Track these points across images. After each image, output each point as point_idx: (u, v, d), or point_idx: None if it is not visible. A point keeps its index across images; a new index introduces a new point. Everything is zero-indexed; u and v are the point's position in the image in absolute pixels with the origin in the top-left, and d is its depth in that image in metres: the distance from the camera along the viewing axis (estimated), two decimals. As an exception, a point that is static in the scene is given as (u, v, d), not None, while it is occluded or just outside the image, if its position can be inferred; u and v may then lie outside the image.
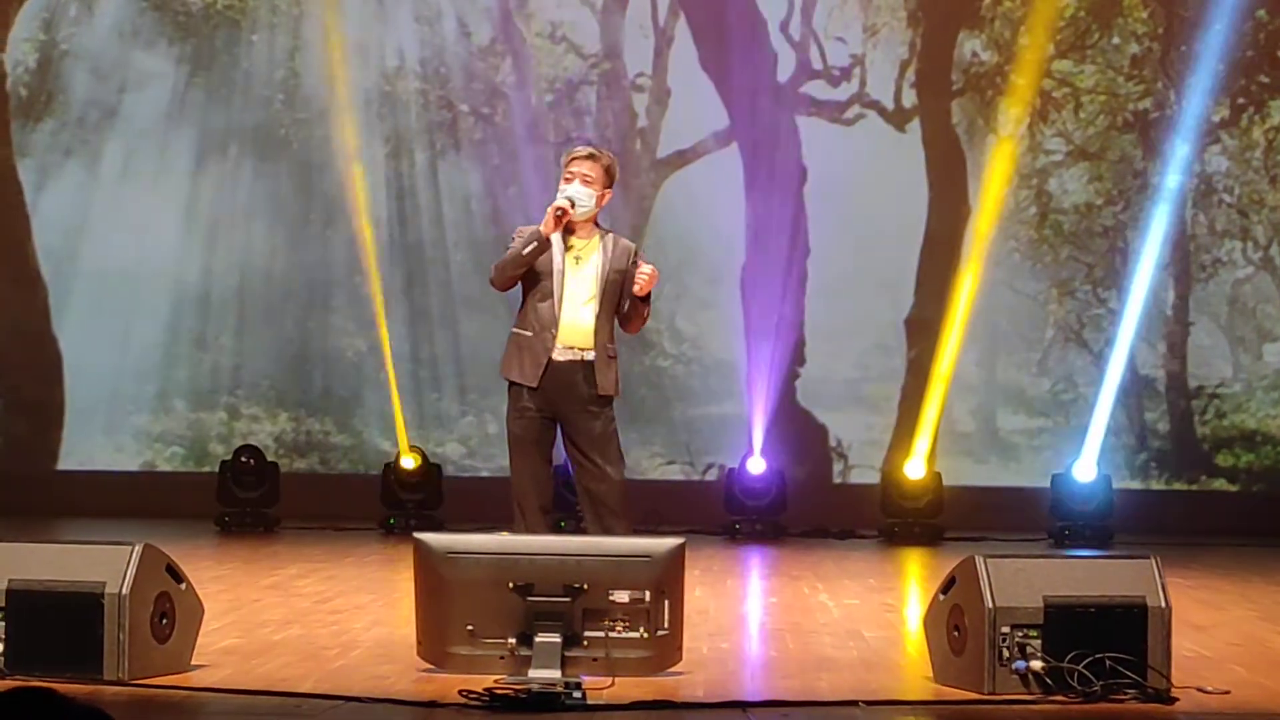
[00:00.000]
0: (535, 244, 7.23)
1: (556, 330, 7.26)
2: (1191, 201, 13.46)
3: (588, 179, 7.30)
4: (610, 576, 5.75)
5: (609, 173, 7.38)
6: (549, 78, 13.77)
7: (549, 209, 7.24)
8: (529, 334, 7.31)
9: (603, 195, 7.34)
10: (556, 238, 7.28)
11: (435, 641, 5.88)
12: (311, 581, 9.19)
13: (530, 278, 7.31)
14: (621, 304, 7.38)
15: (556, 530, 8.30)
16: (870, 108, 13.60)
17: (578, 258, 7.33)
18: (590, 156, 7.36)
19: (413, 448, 12.86)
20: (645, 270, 7.28)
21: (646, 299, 7.35)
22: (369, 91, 13.70)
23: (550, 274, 7.28)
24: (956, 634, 5.90)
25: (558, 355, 7.26)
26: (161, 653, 5.89)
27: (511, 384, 7.36)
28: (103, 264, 13.59)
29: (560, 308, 7.26)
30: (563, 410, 7.31)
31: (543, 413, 7.31)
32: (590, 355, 7.29)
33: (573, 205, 7.24)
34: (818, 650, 6.91)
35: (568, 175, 7.33)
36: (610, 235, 7.45)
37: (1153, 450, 13.51)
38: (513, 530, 7.26)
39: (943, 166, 13.52)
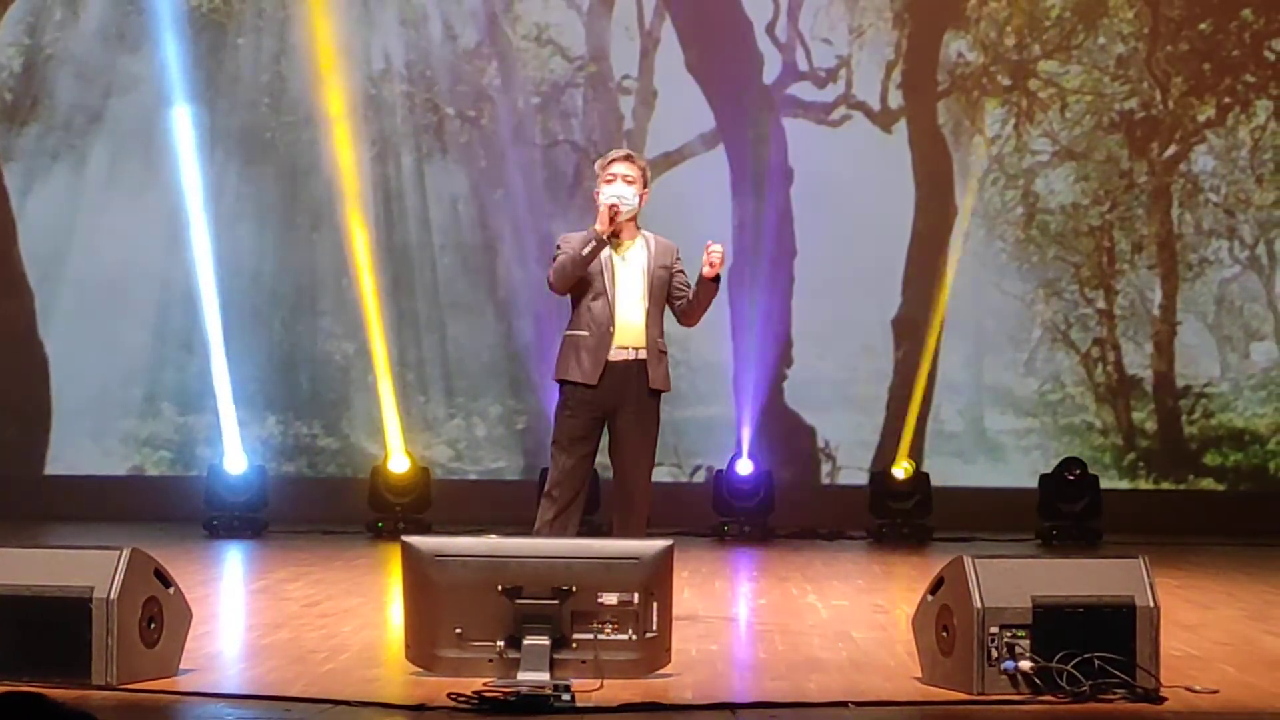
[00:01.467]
0: (594, 243, 7.36)
1: (614, 329, 7.39)
2: (1178, 201, 13.49)
3: (629, 179, 7.45)
4: (599, 579, 5.74)
5: (645, 173, 7.56)
6: (535, 80, 13.77)
7: (603, 208, 7.38)
8: (585, 334, 7.44)
9: (643, 195, 7.46)
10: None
11: (424, 644, 5.87)
12: (300, 585, 9.17)
13: (580, 280, 7.42)
14: (673, 299, 7.53)
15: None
16: (856, 109, 13.61)
17: (625, 257, 7.50)
18: (627, 158, 7.57)
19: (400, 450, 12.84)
20: (717, 249, 7.41)
21: (717, 280, 7.44)
22: (355, 95, 13.68)
23: (601, 274, 7.42)
24: (945, 634, 5.90)
25: (614, 355, 7.41)
26: (149, 657, 5.87)
27: (564, 384, 7.48)
28: (89, 268, 13.55)
29: (615, 307, 7.39)
30: (617, 406, 7.45)
31: (593, 411, 7.44)
32: (643, 354, 7.45)
33: (620, 204, 7.33)
34: (806, 651, 6.91)
35: (608, 178, 7.47)
36: (651, 234, 7.61)
37: (1140, 450, 13.53)
38: (534, 530, 7.34)
39: (929, 167, 13.54)
